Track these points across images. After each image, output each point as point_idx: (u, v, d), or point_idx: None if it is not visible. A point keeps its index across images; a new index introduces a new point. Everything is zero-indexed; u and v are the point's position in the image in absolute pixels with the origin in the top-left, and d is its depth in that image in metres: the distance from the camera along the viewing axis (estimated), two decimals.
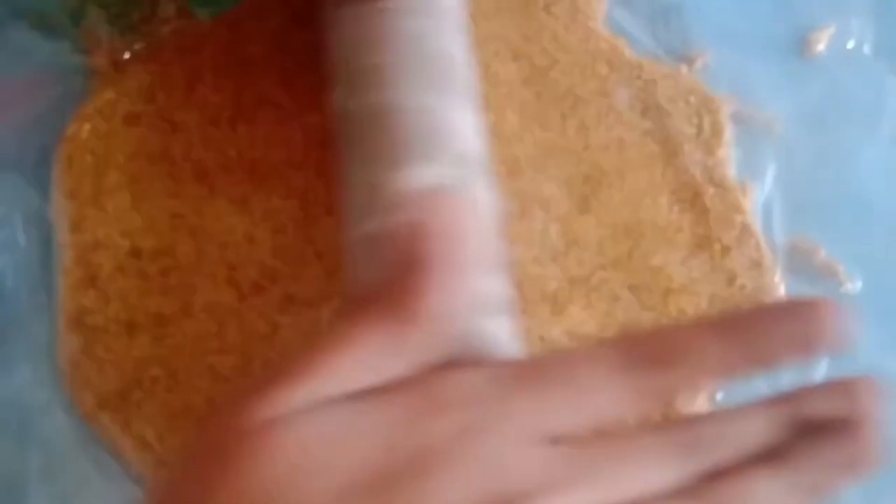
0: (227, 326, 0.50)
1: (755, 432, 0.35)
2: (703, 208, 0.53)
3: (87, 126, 0.54)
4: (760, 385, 0.49)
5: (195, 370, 0.49)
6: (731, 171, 0.55)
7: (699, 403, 0.49)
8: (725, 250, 0.52)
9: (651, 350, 0.35)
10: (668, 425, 0.35)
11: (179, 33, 0.57)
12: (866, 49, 0.59)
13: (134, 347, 0.50)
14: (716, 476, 0.33)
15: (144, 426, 0.49)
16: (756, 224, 0.53)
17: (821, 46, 0.59)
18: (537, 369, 0.35)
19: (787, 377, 0.49)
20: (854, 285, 0.53)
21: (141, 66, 0.56)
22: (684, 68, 0.58)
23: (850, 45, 0.59)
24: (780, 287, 0.52)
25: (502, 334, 0.39)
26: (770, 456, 0.34)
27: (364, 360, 0.34)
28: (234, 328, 0.50)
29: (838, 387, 0.36)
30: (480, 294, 0.38)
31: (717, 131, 0.55)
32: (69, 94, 0.56)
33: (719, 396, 0.50)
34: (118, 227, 0.52)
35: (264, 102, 0.55)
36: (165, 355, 0.50)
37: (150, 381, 0.49)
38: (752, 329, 0.35)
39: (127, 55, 0.57)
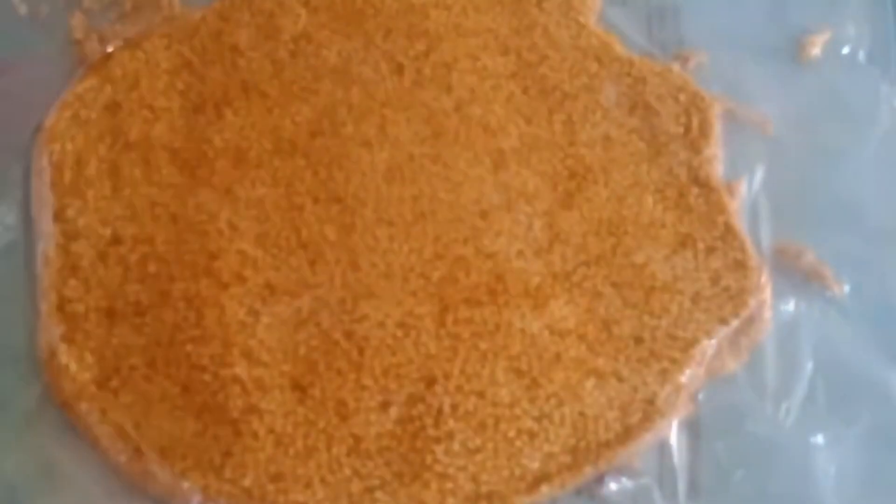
0: (206, 316, 0.49)
1: None
2: (688, 207, 0.53)
3: (66, 114, 0.54)
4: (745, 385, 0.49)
5: (173, 359, 0.49)
6: (718, 171, 0.54)
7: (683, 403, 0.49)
8: (710, 250, 0.52)
9: None
10: None
11: (170, 21, 0.57)
12: (861, 55, 0.59)
13: (113, 336, 0.49)
14: None
15: (122, 415, 0.48)
16: (742, 224, 0.53)
17: (816, 51, 0.59)
18: None
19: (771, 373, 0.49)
20: (841, 288, 0.52)
21: (128, 52, 0.56)
22: (677, 66, 0.57)
23: (846, 50, 0.59)
24: (767, 289, 0.51)
25: None
26: None
27: None
28: (212, 317, 0.49)
29: None
30: None
31: (705, 130, 0.55)
32: (57, 81, 0.56)
33: (701, 396, 0.49)
34: (98, 215, 0.51)
35: (252, 90, 0.55)
36: (144, 344, 0.49)
37: (129, 369, 0.49)
38: None
39: (117, 43, 0.57)
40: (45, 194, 0.52)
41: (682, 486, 0.48)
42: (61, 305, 0.50)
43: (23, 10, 0.58)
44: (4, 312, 0.51)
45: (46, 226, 0.52)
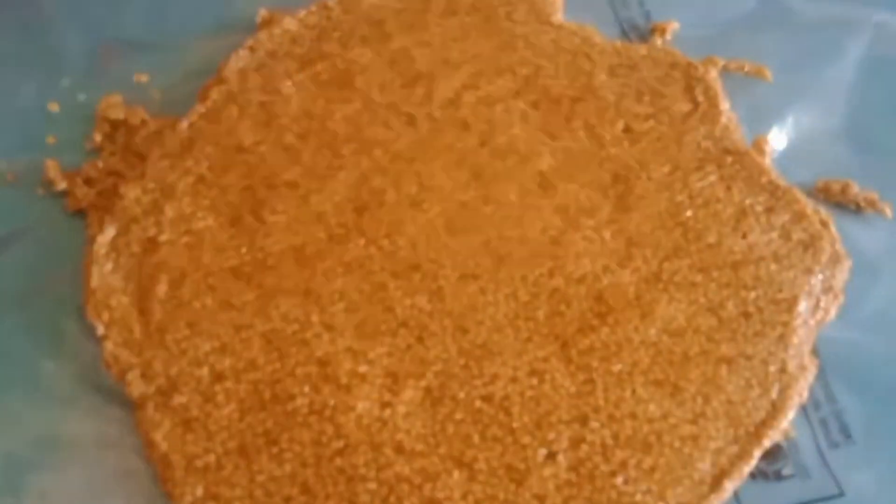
0: (343, 423, 0.48)
1: None
2: (730, 177, 0.54)
3: (106, 268, 0.52)
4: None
5: (328, 478, 0.47)
6: (740, 133, 0.56)
7: (809, 360, 0.50)
8: (768, 210, 0.53)
9: None
10: None
11: (155, 140, 0.56)
12: None
13: (256, 474, 0.47)
14: None
15: None
16: (783, 175, 0.55)
17: None
18: None
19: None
20: (893, 209, 0.55)
21: (135, 185, 0.54)
22: (658, 41, 0.59)
23: None
24: (832, 227, 0.53)
25: None
26: None
27: None
28: (350, 423, 0.48)
29: None
30: None
31: (712, 100, 0.57)
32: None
33: (821, 348, 0.51)
34: (187, 358, 0.50)
35: (278, 185, 0.54)
36: (291, 471, 0.47)
37: (286, 502, 0.47)
38: None
39: (106, 179, 0.55)
40: (121, 357, 0.50)
41: (836, 433, 0.50)
42: (190, 464, 0.48)
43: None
44: None
45: (138, 387, 0.49)
